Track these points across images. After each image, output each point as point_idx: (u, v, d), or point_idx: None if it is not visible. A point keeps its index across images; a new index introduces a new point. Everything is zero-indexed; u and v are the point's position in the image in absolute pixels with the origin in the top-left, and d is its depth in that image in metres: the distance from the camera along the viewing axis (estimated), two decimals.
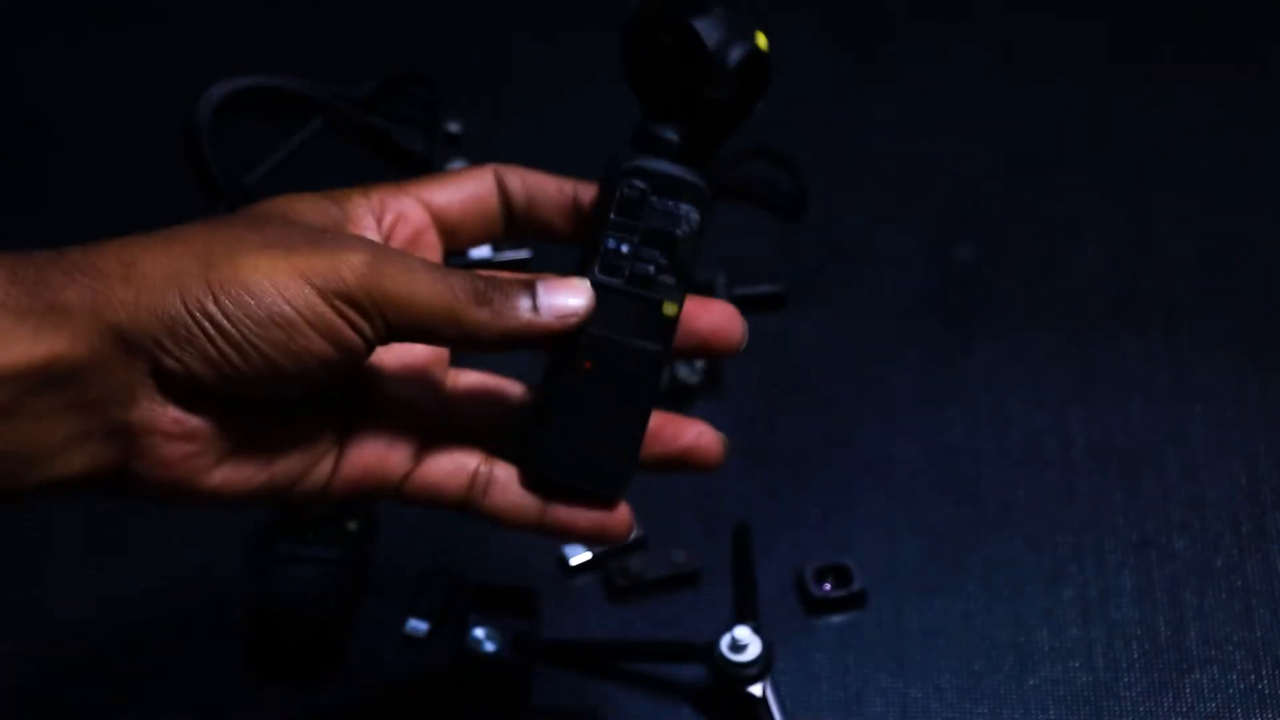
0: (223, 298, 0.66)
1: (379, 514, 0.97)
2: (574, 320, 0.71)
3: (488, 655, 0.92)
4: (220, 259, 0.67)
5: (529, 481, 0.74)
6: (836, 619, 0.96)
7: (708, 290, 1.02)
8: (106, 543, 0.97)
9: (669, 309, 0.73)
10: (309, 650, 0.93)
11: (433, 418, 0.74)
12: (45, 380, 0.65)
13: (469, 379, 0.76)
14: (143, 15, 1.17)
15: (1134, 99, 1.16)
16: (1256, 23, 1.20)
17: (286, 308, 0.66)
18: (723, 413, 1.02)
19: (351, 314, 0.67)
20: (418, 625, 0.94)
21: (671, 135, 0.73)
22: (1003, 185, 1.12)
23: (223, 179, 1.09)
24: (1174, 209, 1.11)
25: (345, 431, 0.72)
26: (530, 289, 0.71)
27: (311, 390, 0.69)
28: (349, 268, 0.67)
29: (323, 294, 0.67)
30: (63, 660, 0.93)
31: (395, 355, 0.74)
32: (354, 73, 1.14)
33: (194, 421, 0.68)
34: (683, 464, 0.75)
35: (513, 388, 0.76)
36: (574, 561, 0.96)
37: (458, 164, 1.11)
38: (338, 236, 0.69)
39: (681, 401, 1.02)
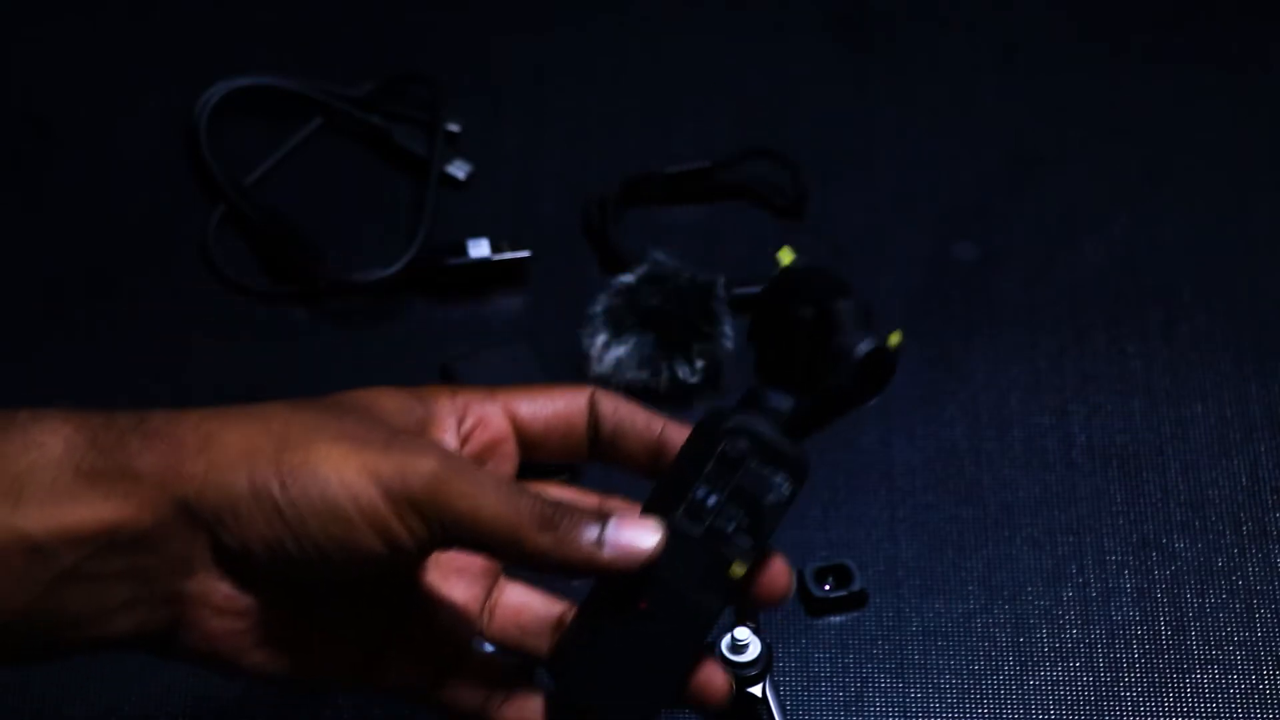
0: (289, 483, 0.67)
1: None
2: (637, 563, 0.70)
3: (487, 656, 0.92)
4: (295, 442, 0.68)
5: (553, 708, 0.74)
6: (836, 619, 0.96)
7: (708, 289, 1.02)
8: None
9: (737, 570, 0.72)
10: None
11: (472, 628, 0.75)
12: (108, 545, 0.66)
13: (515, 594, 0.76)
14: (142, 14, 1.17)
15: (1134, 98, 1.16)
16: (1257, 22, 1.20)
17: (349, 505, 0.67)
18: None
19: (411, 519, 0.68)
20: None
21: (783, 404, 0.73)
22: (1003, 185, 1.12)
23: (222, 178, 1.09)
24: (1174, 209, 1.11)
25: (387, 634, 0.73)
26: (600, 521, 0.70)
27: (359, 583, 0.70)
28: (417, 475, 0.67)
29: (387, 496, 0.67)
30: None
31: (449, 560, 0.75)
32: (354, 73, 1.14)
33: (244, 600, 0.69)
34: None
35: (556, 608, 0.75)
36: None
37: (458, 164, 1.11)
38: (414, 440, 0.69)
39: (681, 402, 1.02)
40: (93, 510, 0.66)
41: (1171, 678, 0.94)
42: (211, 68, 1.13)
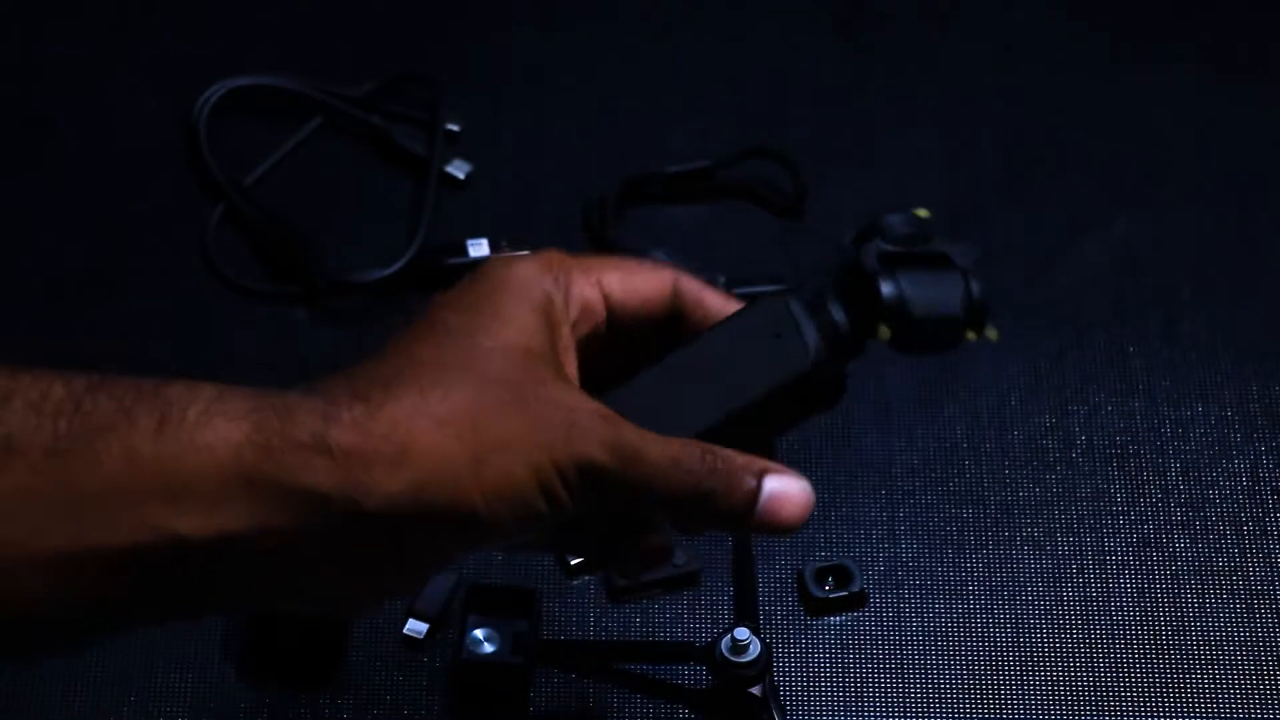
0: (492, 499, 0.66)
1: None
2: (792, 526, 0.72)
3: (487, 656, 0.92)
4: (489, 452, 0.66)
5: None
6: (836, 619, 0.96)
7: None
8: None
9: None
10: (308, 652, 0.93)
11: None
12: (273, 550, 0.65)
13: None
14: (143, 14, 1.17)
15: (1134, 98, 1.16)
16: (1257, 22, 1.19)
17: (543, 504, 0.67)
18: None
19: (580, 496, 0.68)
20: (417, 626, 0.94)
21: (841, 318, 0.74)
22: (1003, 185, 1.12)
23: (222, 178, 1.09)
24: (1174, 208, 1.11)
25: None
26: (760, 473, 0.71)
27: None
28: (592, 467, 0.68)
29: (566, 484, 0.68)
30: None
31: None
32: (354, 73, 1.14)
33: (410, 575, 0.69)
34: None
35: None
36: (574, 561, 0.95)
37: (458, 164, 1.11)
38: (583, 419, 0.69)
39: None
40: (258, 520, 0.64)
41: (1171, 678, 0.94)
42: (211, 68, 1.13)
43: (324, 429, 0.65)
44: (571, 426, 0.68)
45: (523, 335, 0.71)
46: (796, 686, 0.93)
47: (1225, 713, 0.92)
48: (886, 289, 0.71)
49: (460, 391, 0.68)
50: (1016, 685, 0.93)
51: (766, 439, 0.74)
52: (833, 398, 0.74)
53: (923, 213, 0.72)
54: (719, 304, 0.76)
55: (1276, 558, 0.98)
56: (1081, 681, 0.93)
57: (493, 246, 1.06)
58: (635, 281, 0.75)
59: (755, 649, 0.90)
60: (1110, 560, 0.97)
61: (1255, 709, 0.93)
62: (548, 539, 0.76)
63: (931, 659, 0.94)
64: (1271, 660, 0.94)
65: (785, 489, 0.71)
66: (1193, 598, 0.96)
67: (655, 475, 0.69)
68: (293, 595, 0.68)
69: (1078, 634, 0.95)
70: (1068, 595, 0.96)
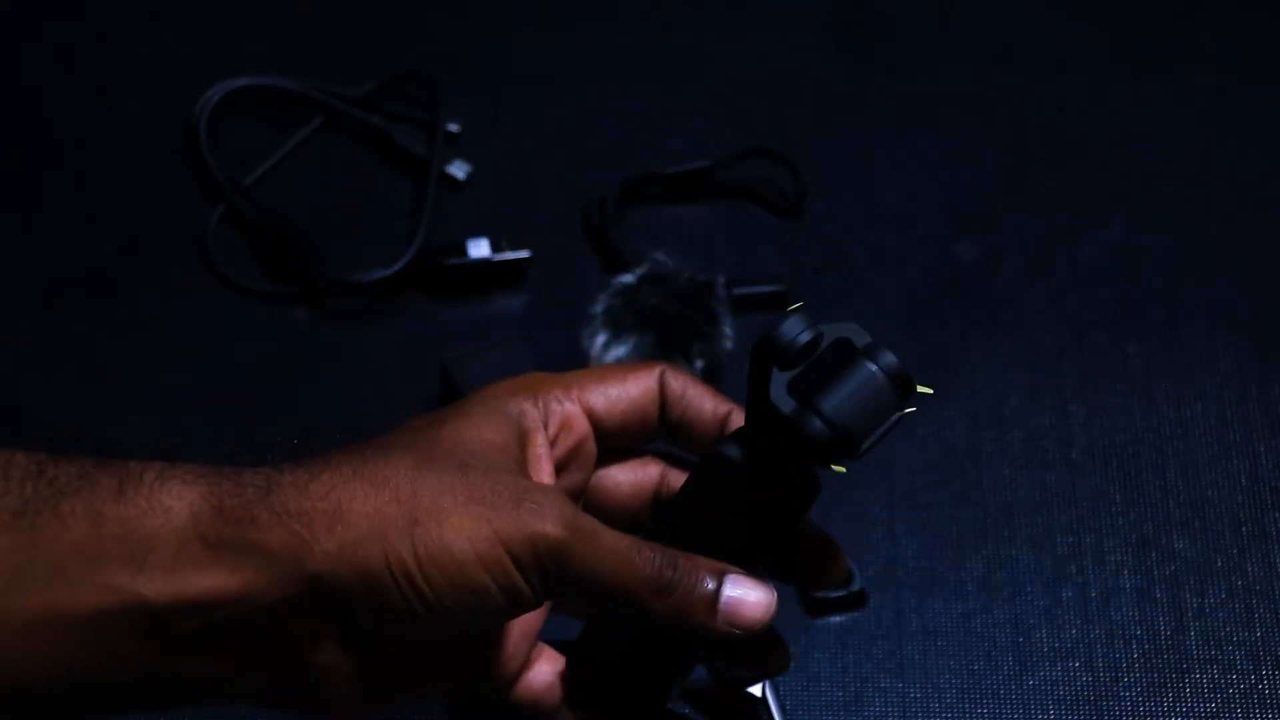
0: (425, 560, 0.67)
1: None
2: (751, 630, 0.71)
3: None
4: (426, 512, 0.67)
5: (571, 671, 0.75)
6: (836, 619, 0.96)
7: (708, 289, 1.02)
8: None
9: None
10: None
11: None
12: (230, 616, 0.65)
13: None
14: (142, 14, 1.17)
15: (1134, 99, 1.16)
16: (1256, 23, 1.19)
17: (484, 575, 0.67)
18: None
19: (535, 579, 0.68)
20: None
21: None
22: (1003, 185, 1.12)
23: (222, 178, 1.09)
24: (1174, 208, 1.11)
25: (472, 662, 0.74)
26: (717, 580, 0.71)
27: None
28: (544, 542, 0.68)
29: (516, 562, 0.67)
30: None
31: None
32: (354, 73, 1.14)
33: (369, 669, 0.69)
34: None
35: None
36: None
37: (458, 164, 1.11)
38: (538, 498, 0.69)
39: None
40: (216, 581, 0.65)
41: (1171, 678, 0.94)
42: (211, 68, 1.13)
43: (268, 488, 0.66)
44: (523, 502, 0.68)
45: (486, 432, 0.71)
46: (796, 686, 0.93)
47: (1225, 713, 0.93)
48: (816, 428, 0.68)
49: (403, 461, 0.68)
50: (1016, 685, 0.93)
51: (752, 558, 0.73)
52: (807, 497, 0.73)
53: (795, 307, 0.71)
54: (700, 400, 0.76)
55: (1276, 558, 0.98)
56: (1081, 681, 0.94)
57: (493, 246, 1.06)
58: (618, 392, 0.75)
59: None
60: (1110, 560, 0.97)
61: (1255, 709, 0.93)
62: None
63: (931, 659, 0.94)
64: (1271, 660, 0.94)
65: (745, 592, 0.71)
66: (1192, 598, 0.96)
67: (614, 558, 0.69)
68: (254, 683, 0.68)
69: (1078, 634, 0.95)
70: (1068, 595, 0.96)
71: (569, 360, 1.02)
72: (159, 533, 0.65)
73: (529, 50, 1.17)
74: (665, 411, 0.76)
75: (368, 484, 0.67)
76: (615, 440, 0.76)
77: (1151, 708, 0.93)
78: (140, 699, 0.67)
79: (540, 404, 0.74)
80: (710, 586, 0.70)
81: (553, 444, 0.74)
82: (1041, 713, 0.93)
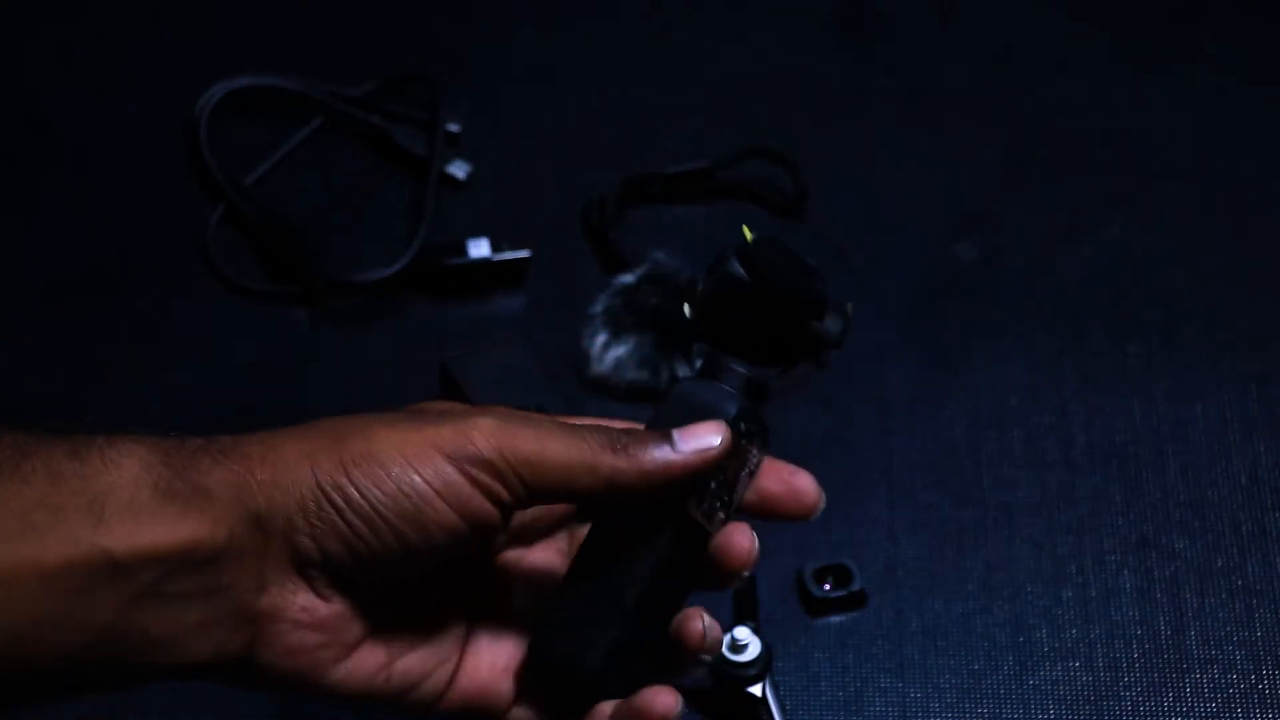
0: (354, 470, 0.67)
1: None
2: (712, 454, 0.71)
3: None
4: (354, 436, 0.68)
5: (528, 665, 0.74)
6: (836, 619, 0.96)
7: None
8: None
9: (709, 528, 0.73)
10: None
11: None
12: (183, 564, 0.66)
13: None
14: (142, 14, 1.17)
15: (1134, 99, 1.16)
16: (1256, 23, 1.19)
17: (416, 477, 0.68)
18: None
19: (485, 479, 0.68)
20: None
21: (742, 377, 0.74)
22: (1003, 185, 1.12)
23: (222, 179, 1.09)
24: (1174, 209, 1.11)
25: (465, 643, 0.74)
26: (665, 435, 0.71)
27: (440, 569, 0.70)
28: (479, 432, 0.68)
29: (454, 461, 0.68)
30: None
31: (526, 560, 0.75)
32: (354, 73, 1.14)
33: (323, 610, 0.69)
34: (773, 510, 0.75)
35: None
36: None
37: (458, 164, 1.11)
38: (467, 409, 0.70)
39: None
40: (170, 528, 0.66)
41: (1171, 678, 0.94)
42: (211, 68, 1.13)
43: (208, 441, 0.68)
44: (449, 417, 0.69)
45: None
46: (796, 686, 0.93)
47: (1225, 713, 0.93)
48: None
49: (334, 418, 0.70)
50: (1016, 685, 0.93)
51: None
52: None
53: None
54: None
55: (1276, 558, 0.98)
56: (1081, 681, 0.94)
57: (493, 246, 1.06)
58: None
59: (755, 648, 0.90)
60: (1110, 560, 0.97)
61: (1255, 709, 0.93)
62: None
63: (931, 659, 0.94)
64: (1271, 660, 0.94)
65: (694, 428, 0.71)
66: (1192, 598, 0.96)
67: (556, 428, 0.70)
68: (215, 639, 0.68)
69: (1078, 634, 0.95)
70: (1068, 595, 0.96)
71: (569, 360, 1.02)
72: (114, 485, 0.66)
73: (529, 50, 1.17)
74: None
75: (299, 427, 0.69)
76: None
77: (1152, 708, 0.93)
78: (99, 664, 0.67)
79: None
80: (657, 435, 0.71)
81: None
82: (1041, 713, 0.93)
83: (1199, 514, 0.99)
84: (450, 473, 0.68)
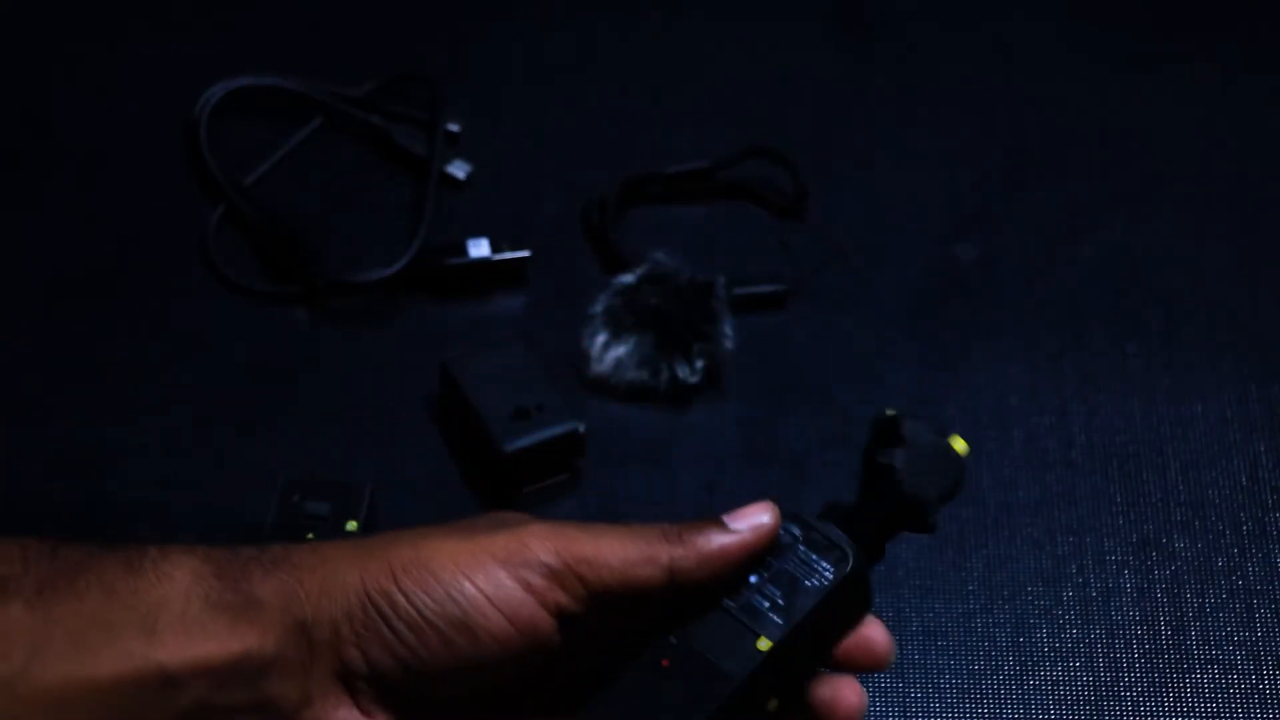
0: (403, 577, 0.67)
1: (379, 514, 0.97)
2: (766, 529, 0.71)
3: None
4: (404, 543, 0.68)
5: None
6: None
7: (708, 289, 1.02)
8: None
9: (762, 644, 0.71)
10: None
11: None
12: (233, 676, 0.66)
13: None
14: (142, 14, 1.17)
15: (1134, 99, 1.16)
16: (1256, 22, 1.20)
17: (467, 584, 0.67)
18: (723, 413, 1.02)
19: (541, 584, 0.68)
20: None
21: (843, 507, 0.74)
22: (1003, 185, 1.12)
23: (222, 178, 1.09)
24: (1174, 209, 1.11)
25: None
26: (716, 521, 0.71)
27: (494, 687, 0.69)
28: (534, 537, 0.68)
29: (508, 567, 0.67)
30: None
31: None
32: (354, 73, 1.14)
33: None
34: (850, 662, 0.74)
35: None
36: None
37: (458, 164, 1.11)
38: (520, 518, 0.70)
39: (681, 401, 1.02)
40: (220, 641, 0.66)
41: (1171, 678, 0.94)
42: (211, 68, 1.13)
43: (260, 549, 0.69)
44: (506, 523, 0.69)
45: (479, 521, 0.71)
46: None
47: (1225, 713, 0.93)
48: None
49: (380, 533, 0.70)
50: (1016, 685, 0.93)
51: (819, 659, 0.73)
52: (867, 600, 0.73)
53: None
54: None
55: (1276, 558, 0.98)
56: (1081, 681, 0.94)
57: (493, 246, 1.06)
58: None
59: None
60: (1110, 560, 0.98)
61: (1255, 709, 0.93)
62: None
63: (931, 659, 0.94)
64: (1271, 660, 0.94)
65: (745, 509, 0.71)
66: (1193, 598, 0.96)
67: (610, 532, 0.69)
68: None
69: (1078, 634, 0.95)
70: (1068, 595, 0.96)
71: (569, 360, 1.03)
72: (166, 598, 0.66)
73: (529, 50, 1.17)
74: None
75: (353, 540, 0.70)
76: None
77: (1152, 708, 0.93)
78: None
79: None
80: (708, 522, 0.70)
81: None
82: (1042, 713, 0.93)
83: (1199, 514, 0.99)
84: (504, 579, 0.67)
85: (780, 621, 0.71)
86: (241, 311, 1.06)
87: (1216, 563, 0.97)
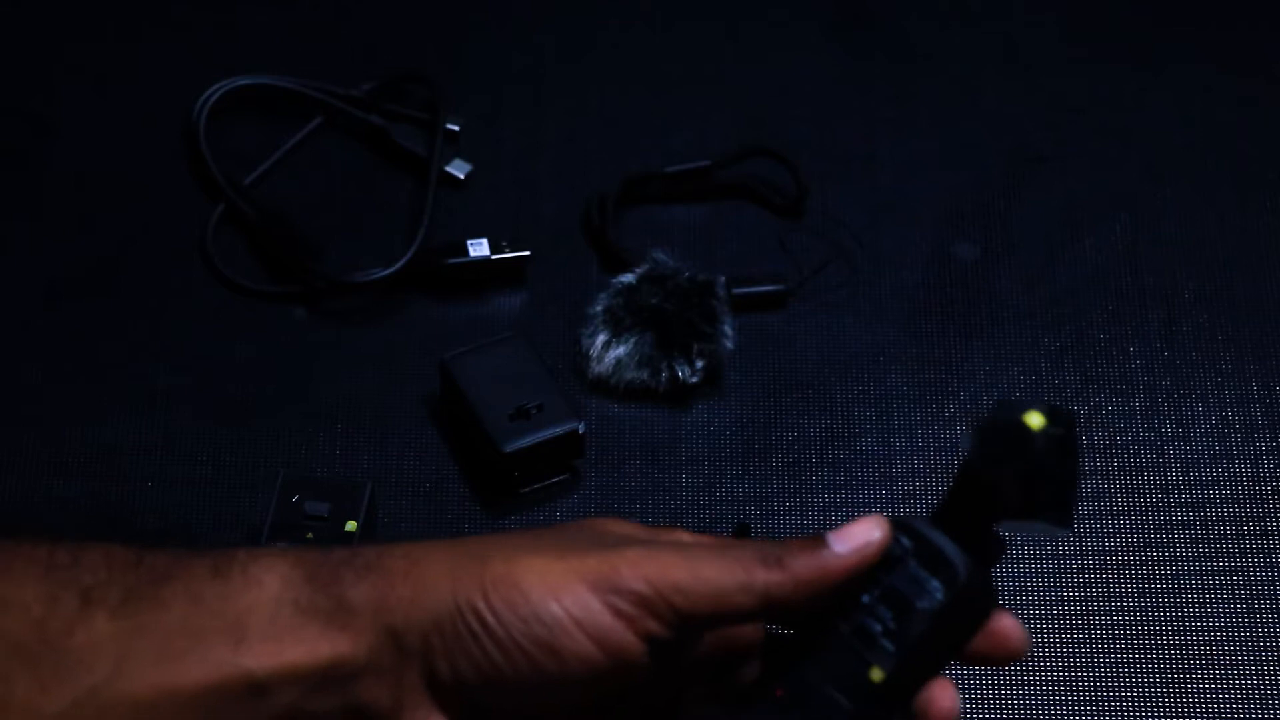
0: (493, 594, 0.66)
1: (379, 515, 0.97)
2: (872, 550, 0.68)
3: None
4: (496, 557, 0.67)
5: None
6: None
7: (708, 289, 1.02)
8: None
9: (875, 674, 0.68)
10: None
11: None
12: (325, 681, 0.66)
13: None
14: (142, 14, 1.17)
15: (1135, 98, 1.16)
16: (1257, 22, 1.19)
17: (555, 606, 0.66)
18: (723, 413, 1.02)
19: (630, 610, 0.66)
20: None
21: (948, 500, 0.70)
22: (1003, 185, 1.12)
23: (221, 178, 1.09)
24: (1175, 208, 1.11)
25: None
26: (818, 539, 0.68)
27: (581, 705, 0.68)
28: (626, 562, 0.67)
29: (597, 592, 0.66)
30: None
31: None
32: (354, 73, 1.14)
33: None
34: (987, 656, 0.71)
35: None
36: None
37: (458, 164, 1.11)
38: (617, 539, 0.69)
39: (681, 401, 1.02)
40: (311, 647, 0.66)
41: (1171, 678, 0.94)
42: (211, 68, 1.13)
43: (352, 552, 0.68)
44: (602, 544, 0.68)
45: (573, 528, 0.71)
46: None
47: (1225, 713, 0.92)
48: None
49: (484, 536, 0.69)
50: (1017, 685, 0.93)
51: (937, 671, 0.70)
52: (986, 607, 0.70)
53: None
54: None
55: (1276, 557, 0.98)
56: (1081, 681, 0.93)
57: (493, 246, 1.06)
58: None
59: None
60: (1110, 560, 0.97)
61: (1255, 709, 0.92)
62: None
63: None
64: (1271, 659, 0.94)
65: (848, 525, 0.69)
66: (1193, 598, 0.96)
67: (705, 553, 0.67)
68: None
69: (1078, 634, 0.95)
70: (1068, 595, 0.96)
71: (569, 360, 1.02)
72: (255, 604, 0.66)
73: (529, 50, 1.17)
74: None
75: (444, 542, 0.69)
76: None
77: (1151, 708, 0.93)
78: None
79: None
80: (810, 541, 0.68)
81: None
82: (1041, 713, 0.93)
83: (1199, 514, 0.99)
84: (592, 603, 0.66)
85: (892, 649, 0.68)
86: (241, 311, 1.06)
87: (1216, 562, 0.97)
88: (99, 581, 0.66)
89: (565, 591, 0.66)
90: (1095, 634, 0.95)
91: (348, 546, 0.69)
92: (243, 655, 0.66)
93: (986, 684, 0.93)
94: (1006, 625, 0.70)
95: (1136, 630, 0.95)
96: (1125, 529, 0.98)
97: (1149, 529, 0.99)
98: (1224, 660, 0.94)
